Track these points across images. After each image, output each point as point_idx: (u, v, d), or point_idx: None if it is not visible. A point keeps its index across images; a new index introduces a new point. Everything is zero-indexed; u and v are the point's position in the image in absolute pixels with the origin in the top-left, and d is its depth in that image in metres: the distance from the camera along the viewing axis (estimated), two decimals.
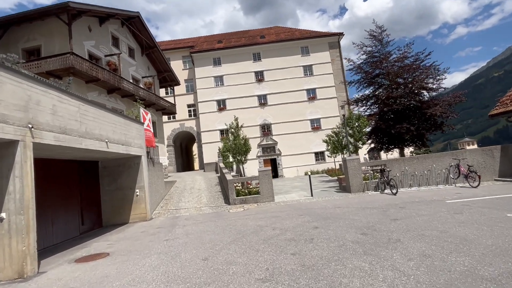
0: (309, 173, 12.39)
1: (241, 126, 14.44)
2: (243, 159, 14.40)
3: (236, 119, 14.30)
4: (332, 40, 33.80)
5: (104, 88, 16.16)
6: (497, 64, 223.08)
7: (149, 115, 12.85)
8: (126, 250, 6.41)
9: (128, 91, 17.40)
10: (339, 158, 27.81)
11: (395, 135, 16.11)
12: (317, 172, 30.48)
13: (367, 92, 18.71)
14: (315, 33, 35.07)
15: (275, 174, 31.23)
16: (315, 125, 32.74)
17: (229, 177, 12.73)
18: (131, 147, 9.78)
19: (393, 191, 10.50)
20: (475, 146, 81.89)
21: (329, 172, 26.10)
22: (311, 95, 33.08)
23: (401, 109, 16.05)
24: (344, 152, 19.78)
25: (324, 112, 32.61)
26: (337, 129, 18.71)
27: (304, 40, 33.66)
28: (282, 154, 32.07)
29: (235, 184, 12.22)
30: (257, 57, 33.77)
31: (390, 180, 10.71)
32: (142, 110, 12.18)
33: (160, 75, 24.00)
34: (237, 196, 11.93)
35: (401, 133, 15.64)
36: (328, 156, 25.70)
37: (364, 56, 18.90)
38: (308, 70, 33.53)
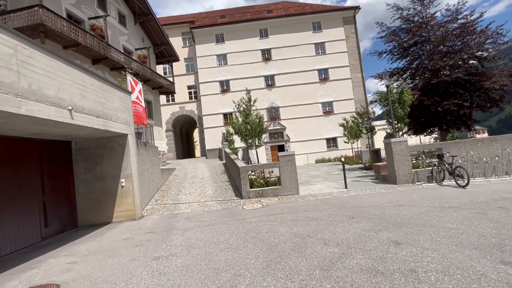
0: (342, 159, 9.86)
1: (254, 101, 11.80)
2: (257, 142, 11.86)
3: (248, 92, 11.65)
4: (347, 14, 30.60)
5: (87, 56, 13.43)
6: None
7: (140, 86, 10.21)
8: (90, 279, 3.93)
9: (118, 62, 14.66)
10: (357, 144, 25.36)
11: (437, 115, 13.45)
12: (329, 160, 28.03)
13: (400, 65, 15.83)
14: (328, 7, 31.86)
15: None
16: (327, 108, 30.01)
17: (240, 163, 10.20)
18: (112, 122, 7.19)
19: (459, 182, 7.97)
20: (486, 135, 79.22)
21: (345, 159, 23.56)
22: (323, 75, 30.19)
23: (450, 81, 13.26)
24: (367, 135, 17.21)
25: (337, 95, 29.81)
26: (362, 109, 16.06)
27: (316, 15, 30.47)
28: (290, 140, 29.49)
29: (248, 173, 9.71)
30: (264, 34, 30.69)
31: (455, 168, 8.16)
32: (130, 78, 9.53)
33: (157, 49, 21.13)
34: (251, 187, 9.44)
35: (450, 111, 12.97)
36: (345, 142, 23.15)
37: (398, 22, 15.90)
38: (320, 48, 30.50)
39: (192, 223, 6.77)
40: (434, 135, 25.06)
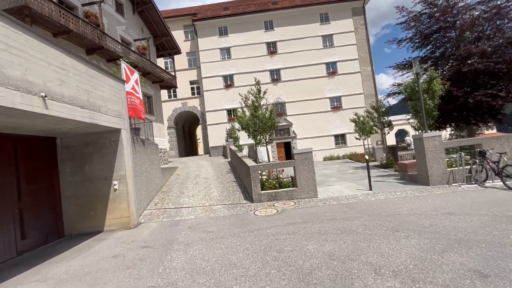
0: (366, 157, 8.69)
1: (264, 93, 10.59)
2: (267, 138, 10.66)
3: (257, 83, 10.46)
4: (356, 5, 29.20)
5: (80, 46, 12.31)
6: None
7: (136, 75, 9.08)
8: None
9: (114, 53, 13.54)
10: (367, 141, 24.11)
11: (465, 108, 12.17)
12: (338, 158, 26.76)
13: (421, 54, 14.51)
14: None
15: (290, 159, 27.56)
16: (336, 103, 28.75)
17: (250, 162, 9.06)
18: (101, 114, 6.08)
19: (509, 183, 6.79)
20: (495, 131, 77.22)
21: (356, 157, 22.36)
22: (331, 69, 28.89)
23: (482, 70, 11.95)
24: (383, 131, 15.99)
25: (346, 89, 28.51)
26: (378, 103, 14.82)
27: (324, 6, 29.11)
28: (297, 137, 28.30)
29: (259, 173, 8.58)
30: (269, 26, 29.41)
31: (504, 167, 6.97)
32: (124, 66, 8.39)
33: (157, 41, 19.98)
34: (262, 189, 8.30)
35: (481, 103, 11.69)
36: (356, 139, 21.89)
37: (419, 6, 14.51)
38: (328, 40, 29.17)
39: (196, 234, 5.66)
40: (449, 131, 23.76)
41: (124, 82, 7.66)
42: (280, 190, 8.23)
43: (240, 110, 12.93)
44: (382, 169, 13.89)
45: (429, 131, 9.68)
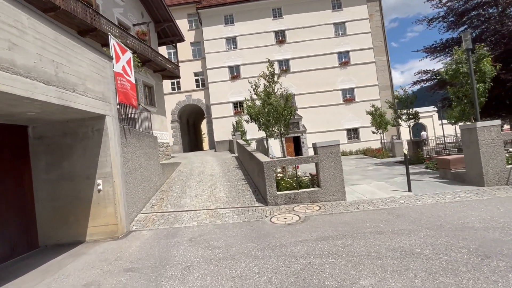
0: (405, 151, 7.23)
1: (279, 76, 9.05)
2: (282, 129, 9.15)
3: (270, 64, 8.92)
4: None
5: (70, 26, 10.94)
6: None
7: (129, 55, 7.72)
8: None
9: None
10: (383, 136, 22.51)
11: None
12: (350, 153, 25.23)
13: (455, 35, 12.85)
14: None
15: (299, 155, 26.11)
16: (348, 96, 27.08)
17: (263, 157, 7.66)
18: (77, 95, 4.73)
19: None
20: (507, 127, 74.31)
21: (372, 152, 20.82)
22: (344, 59, 27.17)
23: None
24: (409, 123, 14.41)
25: (360, 81, 26.80)
26: (403, 92, 13.25)
27: None
28: (307, 131, 26.78)
29: (274, 170, 7.18)
30: (277, 13, 27.74)
31: None
32: (114, 42, 7.02)
33: (158, 27, 18.57)
34: (278, 189, 6.91)
35: None
36: (373, 133, 20.35)
37: None
38: (340, 28, 27.41)
39: (198, 251, 4.31)
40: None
41: (112, 59, 6.30)
42: (300, 191, 6.83)
43: (249, 99, 11.51)
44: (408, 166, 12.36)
45: (470, 122, 8.12)
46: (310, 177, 7.63)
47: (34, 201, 5.63)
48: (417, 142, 14.02)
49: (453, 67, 8.28)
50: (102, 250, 4.88)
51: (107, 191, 5.55)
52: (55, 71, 4.28)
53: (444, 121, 22.64)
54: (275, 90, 9.12)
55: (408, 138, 26.67)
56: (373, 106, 20.16)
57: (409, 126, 13.90)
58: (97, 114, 5.38)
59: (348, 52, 27.08)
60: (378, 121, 19.66)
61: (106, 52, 6.04)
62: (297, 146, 27.14)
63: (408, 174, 7.02)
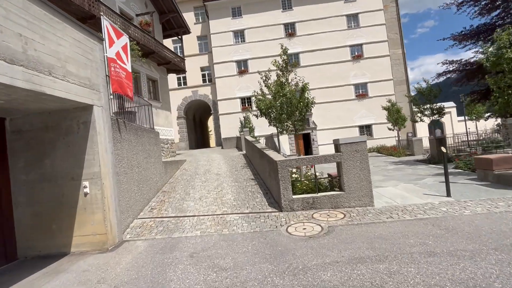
0: (443, 150, 6.21)
1: (293, 65, 8.04)
2: (296, 124, 8.17)
3: (284, 51, 7.96)
4: None
5: (67, 13, 10.18)
6: None
7: (125, 40, 6.87)
8: None
9: None
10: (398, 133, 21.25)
11: None
12: None
13: (487, 20, 11.63)
14: None
15: (309, 153, 25.09)
16: (361, 91, 25.88)
17: (276, 155, 6.75)
18: (54, 79, 3.88)
19: None
20: None
21: (387, 150, 19.65)
22: (357, 52, 25.94)
23: None
24: (433, 118, 13.25)
25: (373, 75, 25.55)
26: (426, 85, 12.12)
27: None
28: (317, 128, 25.71)
29: (290, 170, 6.26)
30: (287, 5, 26.64)
31: None
32: (107, 23, 6.18)
33: (163, 18, 17.72)
34: (294, 192, 5.99)
35: None
36: (389, 129, 19.19)
37: None
38: (353, 20, 26.16)
39: (200, 274, 3.43)
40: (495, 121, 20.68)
41: (102, 41, 5.45)
42: (319, 194, 5.89)
43: (259, 91, 10.59)
44: (433, 165, 11.31)
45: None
46: (329, 178, 6.68)
47: (12, 206, 4.84)
48: (440, 140, 12.86)
49: (495, 52, 7.20)
50: (86, 267, 4.05)
51: (95, 194, 4.72)
52: (23, 48, 3.43)
53: (462, 118, 21.31)
54: (289, 81, 8.16)
55: (424, 135, 25.41)
56: (389, 101, 19.00)
57: (434, 123, 12.80)
58: (82, 104, 4.53)
59: (361, 45, 25.83)
60: (395, 117, 18.52)
61: (96, 33, 5.18)
62: (306, 143, 26.13)
63: (447, 175, 6.01)
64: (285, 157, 7.68)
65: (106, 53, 5.88)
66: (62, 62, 4.09)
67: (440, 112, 12.71)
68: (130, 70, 6.80)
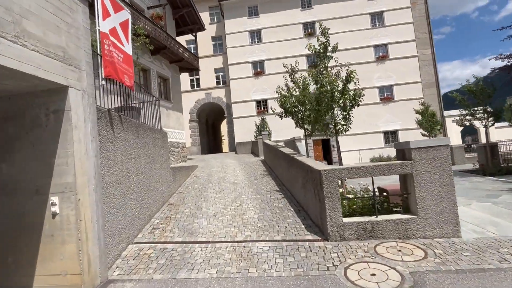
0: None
1: (335, 46, 6.49)
2: (341, 125, 6.54)
3: (323, 31, 6.37)
4: None
5: None
6: None
7: (126, 16, 5.53)
8: None
9: None
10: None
11: None
12: (389, 159, 22.07)
13: None
14: None
15: (329, 161, 23.25)
16: (386, 94, 23.97)
17: (314, 163, 5.16)
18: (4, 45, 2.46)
19: None
20: None
21: None
22: (381, 53, 24.12)
23: None
24: (485, 122, 11.34)
25: (399, 77, 23.62)
26: (479, 82, 10.31)
27: None
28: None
29: (337, 183, 4.65)
30: (306, 4, 25.22)
31: None
32: None
33: (177, 13, 16.59)
34: (345, 214, 4.37)
35: None
36: (423, 135, 17.22)
37: None
38: (377, 19, 24.43)
39: None
40: None
41: (88, 2, 4.07)
42: (380, 218, 4.25)
43: (283, 87, 9.12)
44: (490, 177, 9.41)
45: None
46: (384, 194, 5.03)
47: None
48: (492, 147, 10.95)
49: None
50: None
51: (67, 215, 3.26)
52: None
53: (499, 124, 19.12)
54: (329, 70, 6.60)
55: (457, 142, 23.20)
56: (422, 104, 17.11)
57: (485, 126, 10.88)
58: (53, 84, 3.12)
59: (386, 45, 23.98)
60: (430, 122, 16.60)
61: None
62: (326, 150, 24.36)
63: None
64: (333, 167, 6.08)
65: (98, 26, 4.54)
66: (15, 17, 2.69)
67: (495, 114, 10.81)
68: (130, 53, 5.42)
